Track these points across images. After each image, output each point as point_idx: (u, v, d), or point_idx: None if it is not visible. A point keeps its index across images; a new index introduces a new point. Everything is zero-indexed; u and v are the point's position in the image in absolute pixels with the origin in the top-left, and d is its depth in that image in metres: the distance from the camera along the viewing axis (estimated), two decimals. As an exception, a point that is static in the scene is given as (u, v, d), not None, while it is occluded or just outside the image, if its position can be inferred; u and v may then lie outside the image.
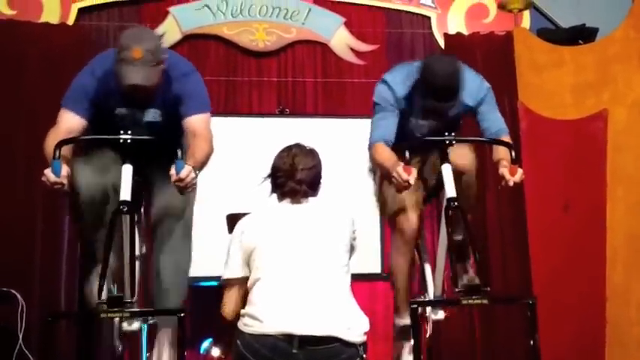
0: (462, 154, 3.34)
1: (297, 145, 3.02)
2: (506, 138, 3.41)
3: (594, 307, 4.96)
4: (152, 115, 3.15)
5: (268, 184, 3.00)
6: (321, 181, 3.00)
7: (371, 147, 3.40)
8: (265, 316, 2.71)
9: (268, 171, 3.00)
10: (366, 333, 2.80)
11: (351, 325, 2.74)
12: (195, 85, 3.20)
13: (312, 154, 3.00)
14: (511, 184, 3.17)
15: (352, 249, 2.97)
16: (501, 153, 3.29)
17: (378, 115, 3.40)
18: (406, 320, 3.43)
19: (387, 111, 3.37)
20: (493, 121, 3.44)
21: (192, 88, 3.17)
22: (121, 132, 2.96)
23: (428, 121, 3.38)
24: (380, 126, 3.38)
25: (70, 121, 3.08)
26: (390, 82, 3.39)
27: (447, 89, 3.16)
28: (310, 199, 2.93)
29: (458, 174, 3.24)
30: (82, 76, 3.15)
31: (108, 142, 3.11)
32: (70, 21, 5.36)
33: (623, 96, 5.19)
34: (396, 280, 3.57)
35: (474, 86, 3.38)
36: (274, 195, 2.97)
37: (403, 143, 3.20)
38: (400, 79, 3.37)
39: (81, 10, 5.41)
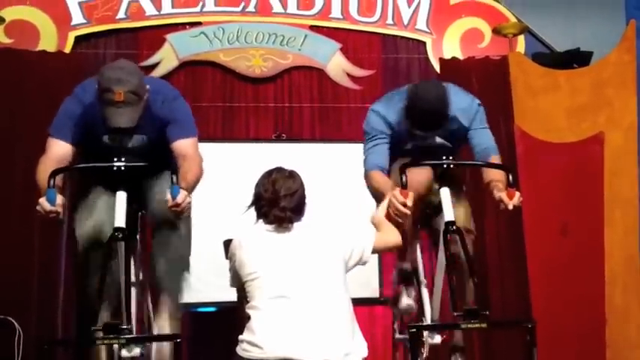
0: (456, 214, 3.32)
1: (277, 170, 3.00)
2: (496, 157, 3.42)
3: (594, 330, 4.95)
4: (138, 140, 3.15)
5: (253, 211, 3.00)
6: (306, 202, 2.99)
7: (366, 175, 3.43)
8: (264, 343, 2.71)
9: (251, 199, 3.00)
10: (364, 359, 2.79)
11: (349, 350, 2.74)
12: (181, 110, 3.23)
13: (292, 177, 2.98)
14: (510, 207, 3.14)
15: (360, 260, 2.97)
16: (491, 174, 3.28)
17: (369, 144, 3.45)
18: (406, 265, 3.55)
19: (377, 139, 3.41)
20: (482, 138, 3.44)
21: (179, 112, 3.20)
22: (115, 159, 2.96)
23: (422, 143, 3.38)
24: (372, 153, 3.41)
25: (59, 149, 3.10)
26: (379, 111, 3.44)
27: (432, 119, 3.19)
28: (298, 223, 2.92)
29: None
30: (67, 103, 3.17)
31: (100, 170, 3.12)
32: (67, 49, 5.36)
33: (619, 119, 5.21)
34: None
35: (465, 105, 3.40)
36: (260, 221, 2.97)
37: (399, 166, 3.20)
38: (390, 105, 3.42)
39: (78, 38, 5.42)
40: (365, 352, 2.81)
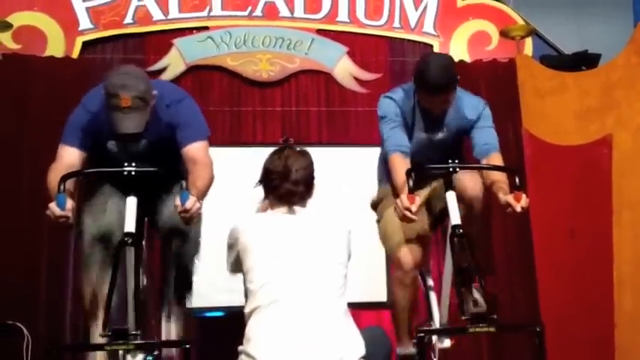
0: (468, 178, 3.31)
1: (289, 147, 2.99)
2: (496, 155, 3.40)
3: (603, 334, 4.93)
4: (143, 145, 3.16)
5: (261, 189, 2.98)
6: (315, 182, 2.97)
7: (388, 158, 3.39)
8: (260, 353, 2.70)
9: (260, 175, 2.98)
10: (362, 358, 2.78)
11: (345, 354, 2.71)
12: (189, 112, 3.22)
13: (304, 155, 2.96)
14: (518, 209, 3.10)
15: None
16: (494, 175, 3.26)
17: (386, 127, 3.41)
18: (409, 350, 3.41)
19: (394, 121, 3.39)
20: (485, 136, 3.42)
21: (187, 115, 3.19)
22: (125, 164, 2.96)
23: (429, 134, 3.40)
24: (391, 135, 3.38)
25: (70, 155, 3.11)
26: (392, 97, 3.44)
27: (440, 80, 3.20)
28: (304, 208, 2.88)
29: (464, 195, 3.21)
30: (75, 112, 3.20)
31: (108, 174, 3.12)
32: (75, 54, 5.38)
33: (627, 121, 5.20)
34: (396, 313, 3.53)
35: (473, 102, 3.43)
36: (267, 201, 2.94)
37: (405, 171, 3.18)
38: (401, 94, 3.44)
39: (85, 44, 5.43)
40: (362, 351, 2.78)
